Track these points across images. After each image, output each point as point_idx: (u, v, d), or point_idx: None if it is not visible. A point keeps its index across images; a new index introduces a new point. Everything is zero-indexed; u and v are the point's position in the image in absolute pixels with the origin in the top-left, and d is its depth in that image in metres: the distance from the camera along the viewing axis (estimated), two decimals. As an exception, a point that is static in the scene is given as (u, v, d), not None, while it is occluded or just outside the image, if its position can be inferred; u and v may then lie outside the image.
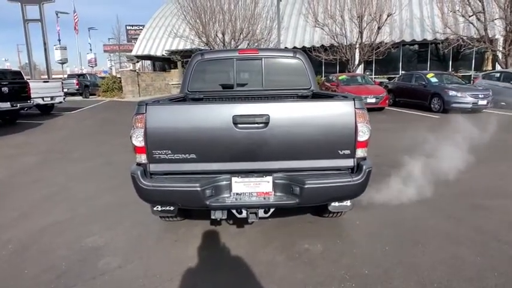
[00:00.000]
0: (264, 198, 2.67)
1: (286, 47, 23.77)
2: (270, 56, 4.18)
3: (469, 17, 17.27)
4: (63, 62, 37.85)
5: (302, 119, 2.60)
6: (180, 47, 24.76)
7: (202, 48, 21.33)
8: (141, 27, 38.09)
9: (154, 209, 3.18)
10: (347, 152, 2.64)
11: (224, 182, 2.65)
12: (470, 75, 20.20)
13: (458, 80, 14.20)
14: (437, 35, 18.03)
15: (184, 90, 4.15)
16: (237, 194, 2.67)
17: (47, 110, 14.26)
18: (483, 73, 15.90)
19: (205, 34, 20.48)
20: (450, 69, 21.03)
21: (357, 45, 18.06)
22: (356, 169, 2.67)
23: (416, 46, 23.05)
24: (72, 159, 6.68)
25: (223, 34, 20.47)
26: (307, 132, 2.60)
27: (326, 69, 23.34)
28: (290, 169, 2.67)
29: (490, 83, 14.46)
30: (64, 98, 14.64)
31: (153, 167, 2.63)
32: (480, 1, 16.65)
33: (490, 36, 16.84)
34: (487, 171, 5.18)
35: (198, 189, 2.55)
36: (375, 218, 3.63)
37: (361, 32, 17.98)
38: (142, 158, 2.61)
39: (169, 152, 2.59)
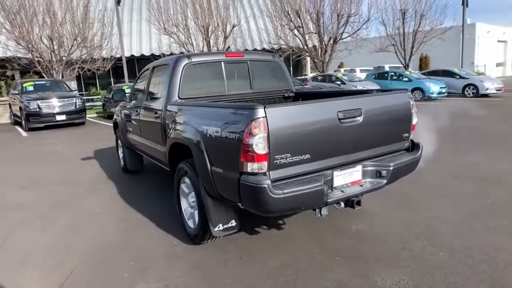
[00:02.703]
0: (360, 186, 2.84)
1: (132, 55, 22.31)
2: (254, 59, 4.23)
3: (291, 30, 20.74)
4: None
5: (381, 109, 2.89)
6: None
7: (21, 56, 17.61)
8: None
9: (216, 229, 2.87)
10: (406, 134, 3.12)
11: (329, 177, 2.66)
12: (306, 78, 24.15)
13: (296, 83, 16.91)
14: (273, 45, 20.80)
15: (173, 98, 3.69)
16: (338, 186, 2.73)
17: None
18: (311, 76, 19.44)
19: (23, 39, 16.98)
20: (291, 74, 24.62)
21: (206, 53, 18.83)
22: (412, 148, 3.20)
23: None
24: None
25: (51, 39, 17.47)
26: (385, 120, 2.92)
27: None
28: (373, 156, 2.92)
29: (318, 84, 17.89)
30: None
31: (273, 174, 2.38)
32: (299, 17, 20.24)
33: (310, 46, 20.69)
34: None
35: (324, 187, 2.50)
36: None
37: (208, 41, 18.82)
38: (262, 166, 2.33)
39: (289, 155, 2.41)
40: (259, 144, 2.27)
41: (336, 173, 2.69)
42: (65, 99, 13.14)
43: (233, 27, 18.26)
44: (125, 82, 19.55)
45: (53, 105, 12.85)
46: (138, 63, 24.93)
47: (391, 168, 2.87)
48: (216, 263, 2.96)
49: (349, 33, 19.97)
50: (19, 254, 3.32)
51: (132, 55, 22.84)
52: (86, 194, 5.07)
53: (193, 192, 3.22)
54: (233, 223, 2.95)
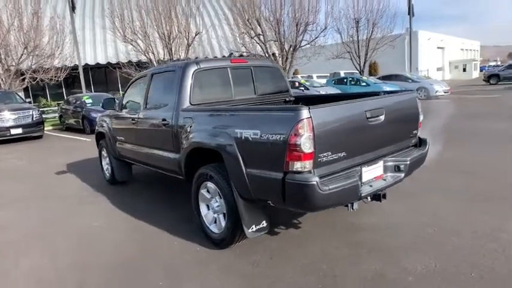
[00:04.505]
0: (384, 180, 3.03)
1: (86, 63, 21.29)
2: (256, 65, 4.33)
3: (252, 38, 21.09)
4: None
5: (397, 108, 3.12)
6: None
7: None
8: None
9: (249, 231, 2.92)
10: (415, 131, 3.40)
11: (359, 173, 2.81)
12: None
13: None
14: (235, 52, 20.96)
15: (184, 104, 3.68)
16: (366, 181, 2.89)
17: None
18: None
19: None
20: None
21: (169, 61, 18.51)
22: (419, 144, 3.48)
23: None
24: None
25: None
26: (400, 119, 3.15)
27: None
28: (391, 152, 3.14)
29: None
30: None
31: (317, 172, 2.47)
32: (259, 25, 20.64)
33: (271, 53, 21.13)
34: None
35: (359, 182, 2.65)
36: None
37: (169, 48, 18.55)
38: (308, 164, 2.42)
39: (330, 153, 2.53)
40: (306, 143, 2.37)
41: (364, 168, 2.86)
42: (20, 112, 12.27)
43: (196, 34, 18.16)
44: (81, 92, 18.65)
45: (6, 118, 11.94)
46: (93, 72, 23.92)
47: (408, 162, 3.11)
48: (247, 264, 2.99)
49: (307, 41, 20.71)
50: (33, 282, 3.09)
51: (87, 64, 21.86)
52: (75, 208, 4.82)
53: (217, 197, 3.23)
54: (264, 224, 3.01)
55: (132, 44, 17.73)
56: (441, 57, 44.32)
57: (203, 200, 3.42)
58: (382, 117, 2.91)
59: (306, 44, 21.06)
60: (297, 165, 2.43)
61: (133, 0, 18.99)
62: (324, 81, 22.64)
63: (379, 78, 19.58)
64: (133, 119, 4.58)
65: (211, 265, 3.02)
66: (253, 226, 2.95)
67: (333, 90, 17.33)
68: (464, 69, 44.11)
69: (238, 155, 2.80)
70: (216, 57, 22.67)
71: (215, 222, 3.33)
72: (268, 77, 4.49)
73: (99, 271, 3.07)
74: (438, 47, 42.98)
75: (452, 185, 4.61)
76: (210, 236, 3.35)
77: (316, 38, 20.69)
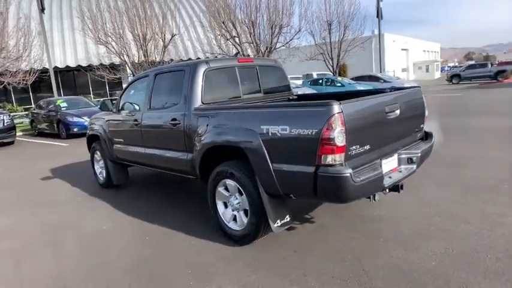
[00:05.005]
0: (399, 171, 3.18)
1: (56, 66, 20.41)
2: (262, 65, 4.40)
3: (227, 39, 21.10)
4: None
5: (408, 103, 3.29)
6: None
7: None
8: None
9: (275, 225, 2.98)
10: (422, 125, 3.59)
11: (380, 166, 2.96)
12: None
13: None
14: (210, 54, 20.88)
15: (195, 103, 3.68)
16: (385, 173, 3.02)
17: None
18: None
19: None
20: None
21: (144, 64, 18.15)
22: (426, 137, 3.67)
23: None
24: None
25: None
26: (410, 113, 3.32)
27: (111, 89, 21.82)
28: (403, 145, 3.30)
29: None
30: None
31: (348, 165, 2.57)
32: (235, 28, 20.69)
33: (247, 55, 21.18)
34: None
35: (383, 175, 2.77)
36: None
37: (145, 50, 18.18)
38: (340, 157, 2.51)
39: (358, 146, 2.64)
40: (339, 137, 2.47)
41: (383, 161, 3.00)
42: (-11, 117, 11.64)
43: (172, 36, 17.93)
44: (50, 96, 17.89)
45: (-26, 124, 11.31)
46: (61, 75, 22.99)
47: (419, 154, 3.29)
48: (273, 259, 3.04)
49: (282, 43, 20.99)
50: None
51: (56, 67, 20.99)
52: (76, 213, 4.67)
53: (237, 194, 3.27)
54: (288, 218, 3.08)
55: (106, 46, 17.21)
56: (405, 58, 46.30)
57: (220, 198, 3.44)
58: (398, 112, 3.06)
59: (281, 46, 21.34)
60: (329, 159, 2.52)
61: (104, 0, 18.49)
62: (298, 82, 23.00)
63: (352, 79, 20.19)
64: (135, 120, 4.50)
65: (236, 262, 3.04)
66: (278, 221, 3.01)
67: (309, 91, 17.67)
68: (427, 70, 46.31)
69: (265, 150, 2.85)
70: (190, 59, 22.46)
71: (234, 219, 3.36)
72: (272, 76, 4.57)
73: (123, 273, 3.01)
74: (402, 49, 44.87)
75: (443, 177, 4.87)
76: (230, 234, 3.37)
77: (291, 40, 21.04)
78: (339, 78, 19.46)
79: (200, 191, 5.26)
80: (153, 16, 17.48)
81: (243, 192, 3.15)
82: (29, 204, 5.17)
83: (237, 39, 20.84)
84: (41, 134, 14.25)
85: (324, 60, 23.28)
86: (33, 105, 18.92)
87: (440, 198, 4.06)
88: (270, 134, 2.81)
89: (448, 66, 71.28)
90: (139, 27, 17.53)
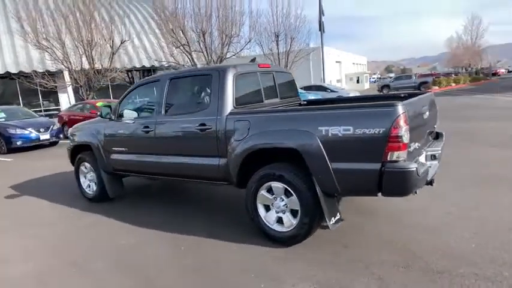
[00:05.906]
0: (429, 167, 3.49)
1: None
2: (277, 71, 4.53)
3: (177, 47, 20.72)
4: None
5: (429, 105, 3.66)
6: None
7: None
8: None
9: (331, 223, 3.11)
10: (435, 126, 4.00)
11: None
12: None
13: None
14: (161, 62, 20.28)
15: (228, 107, 3.67)
16: None
17: None
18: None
19: None
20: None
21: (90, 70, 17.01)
22: (437, 136, 4.09)
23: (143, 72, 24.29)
24: None
25: None
26: (431, 114, 3.69)
27: (44, 98, 19.87)
28: (426, 143, 3.66)
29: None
30: None
31: (408, 160, 2.79)
32: (184, 35, 20.42)
33: (198, 64, 21.00)
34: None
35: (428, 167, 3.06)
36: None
37: (90, 56, 17.08)
38: (404, 154, 2.71)
39: (413, 143, 2.88)
40: (405, 134, 2.69)
41: (420, 157, 3.30)
42: None
43: (122, 42, 17.09)
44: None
45: None
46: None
47: (440, 151, 3.67)
48: (328, 255, 3.13)
49: (233, 52, 21.24)
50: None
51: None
52: (78, 232, 4.27)
53: (283, 196, 3.31)
54: (339, 215, 3.21)
55: (47, 51, 15.81)
56: (339, 70, 49.65)
57: (263, 201, 3.45)
58: (427, 113, 3.40)
59: (232, 56, 21.58)
60: (395, 155, 2.72)
61: (43, 2, 17.05)
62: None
63: (302, 89, 21.08)
64: (145, 126, 4.29)
65: (294, 261, 3.07)
66: (333, 218, 3.12)
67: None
68: (357, 81, 50.15)
69: (323, 151, 2.96)
70: (144, 66, 21.60)
71: (278, 221, 3.39)
72: (285, 82, 4.71)
73: (180, 285, 2.87)
74: (336, 61, 48.08)
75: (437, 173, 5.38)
76: (274, 236, 3.39)
77: (241, 50, 21.41)
78: (290, 88, 20.21)
79: (204, 196, 5.16)
80: (101, 20, 16.52)
81: (292, 193, 3.21)
82: (14, 228, 4.59)
83: (186, 47, 20.61)
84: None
85: (272, 70, 23.97)
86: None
87: (443, 192, 4.47)
88: (330, 135, 2.93)
89: (373, 78, 77.92)
90: (84, 32, 16.46)
